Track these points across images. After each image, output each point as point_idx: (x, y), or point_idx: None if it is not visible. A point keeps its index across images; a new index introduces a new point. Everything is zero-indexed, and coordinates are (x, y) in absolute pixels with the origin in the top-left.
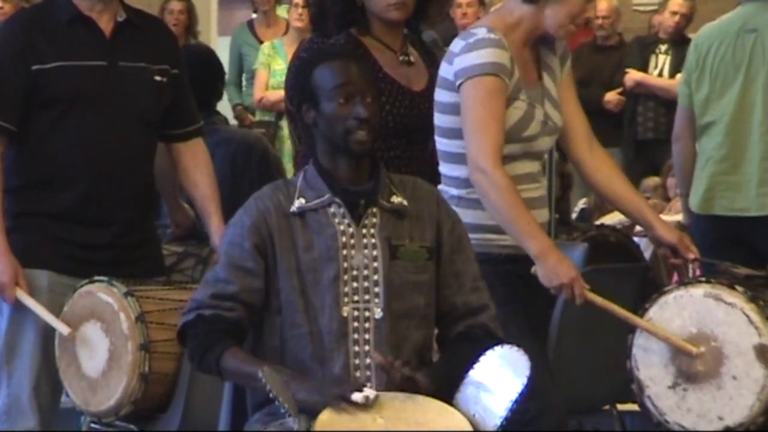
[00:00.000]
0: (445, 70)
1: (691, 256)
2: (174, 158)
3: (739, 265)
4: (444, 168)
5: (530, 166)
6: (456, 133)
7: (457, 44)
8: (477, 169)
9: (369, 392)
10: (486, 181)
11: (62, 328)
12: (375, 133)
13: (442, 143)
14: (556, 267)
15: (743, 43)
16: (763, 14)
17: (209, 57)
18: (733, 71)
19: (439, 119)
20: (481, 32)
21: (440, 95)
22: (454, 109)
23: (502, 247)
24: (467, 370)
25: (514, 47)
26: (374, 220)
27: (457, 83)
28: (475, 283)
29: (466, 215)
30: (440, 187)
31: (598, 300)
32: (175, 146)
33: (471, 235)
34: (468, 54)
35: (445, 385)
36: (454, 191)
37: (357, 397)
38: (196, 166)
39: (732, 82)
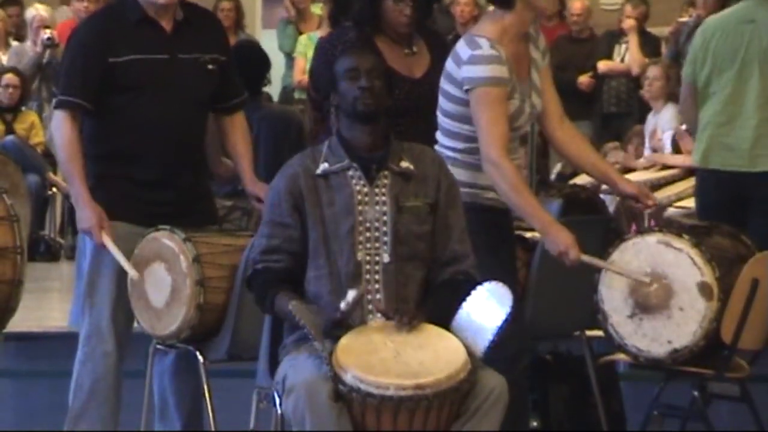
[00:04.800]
0: (452, 69)
1: (650, 202)
2: (219, 125)
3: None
4: (443, 140)
5: (512, 144)
6: (456, 117)
7: (464, 50)
8: (488, 161)
9: (349, 296)
10: (497, 172)
11: (132, 273)
12: (378, 99)
13: (444, 122)
14: (557, 238)
15: (742, 32)
16: (761, 9)
17: (258, 51)
18: (732, 54)
19: (444, 104)
20: (485, 46)
21: (446, 86)
22: (458, 100)
23: (486, 199)
24: (451, 314)
25: (510, 46)
26: (385, 181)
27: (465, 87)
28: (461, 234)
29: (461, 174)
30: (437, 149)
31: (587, 258)
32: (220, 116)
33: (464, 189)
34: (476, 66)
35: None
36: (450, 153)
37: (344, 304)
38: (235, 131)
39: (731, 64)
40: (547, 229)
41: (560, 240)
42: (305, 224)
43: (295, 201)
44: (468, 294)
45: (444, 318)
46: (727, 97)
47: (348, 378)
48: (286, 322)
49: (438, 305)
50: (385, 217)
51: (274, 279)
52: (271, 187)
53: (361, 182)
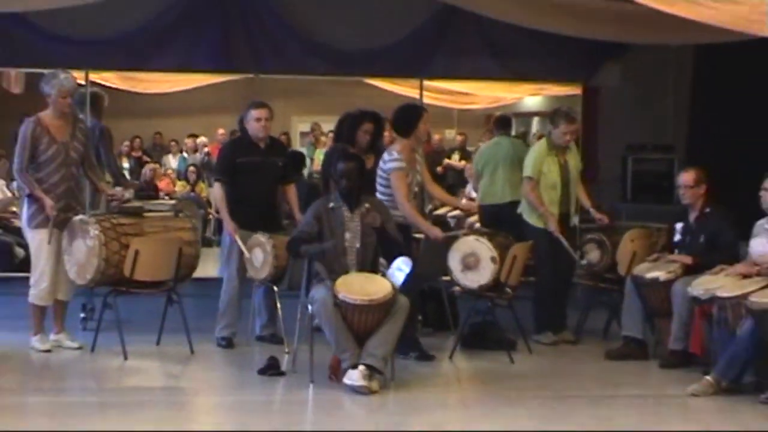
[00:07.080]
0: (382, 164)
1: (473, 210)
2: (283, 189)
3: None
4: (380, 196)
5: (409, 194)
6: (384, 185)
7: (387, 155)
8: (400, 204)
9: (329, 244)
10: (403, 208)
11: (246, 254)
12: (352, 189)
13: (380, 187)
14: (430, 230)
15: (495, 149)
16: (503, 140)
17: (301, 155)
18: (493, 159)
19: (379, 179)
20: (395, 154)
21: (380, 171)
22: (385, 178)
23: (399, 219)
24: (392, 261)
25: (406, 153)
26: (358, 213)
27: (388, 173)
28: (395, 233)
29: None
30: (378, 197)
31: (446, 234)
32: (284, 185)
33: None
34: (392, 162)
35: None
36: (383, 200)
37: (329, 244)
38: (290, 193)
39: (492, 163)
40: (426, 228)
41: (432, 231)
42: (321, 229)
43: (317, 217)
44: (396, 251)
45: (388, 245)
46: (490, 176)
47: (340, 296)
48: (314, 271)
49: (387, 242)
50: (358, 229)
51: (300, 241)
52: (308, 210)
53: (348, 213)
